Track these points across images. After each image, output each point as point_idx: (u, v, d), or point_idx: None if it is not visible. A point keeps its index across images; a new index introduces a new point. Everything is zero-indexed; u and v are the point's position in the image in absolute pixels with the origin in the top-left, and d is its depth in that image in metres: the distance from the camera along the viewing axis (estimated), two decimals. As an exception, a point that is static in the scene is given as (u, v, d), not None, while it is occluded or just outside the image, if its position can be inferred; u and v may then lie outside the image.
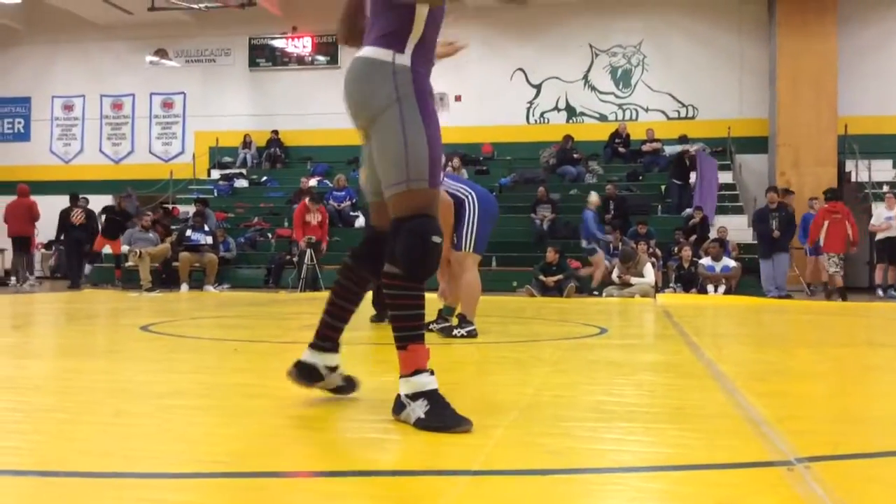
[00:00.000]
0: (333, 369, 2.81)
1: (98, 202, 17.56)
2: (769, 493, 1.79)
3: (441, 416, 2.38)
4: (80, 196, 16.13)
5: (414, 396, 2.44)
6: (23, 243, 15.06)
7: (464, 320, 5.39)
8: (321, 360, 2.78)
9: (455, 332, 5.33)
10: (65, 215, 15.59)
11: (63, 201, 16.26)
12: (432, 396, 2.43)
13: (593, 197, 14.23)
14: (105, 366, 4.11)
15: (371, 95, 2.52)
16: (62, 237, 15.96)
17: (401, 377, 2.51)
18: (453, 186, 5.51)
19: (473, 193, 5.50)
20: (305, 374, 2.78)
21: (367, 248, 2.76)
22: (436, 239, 2.46)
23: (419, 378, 2.47)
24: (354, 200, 16.25)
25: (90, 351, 4.90)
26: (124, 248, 14.05)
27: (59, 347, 5.19)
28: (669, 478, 1.96)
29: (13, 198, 15.24)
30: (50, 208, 15.99)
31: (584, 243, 13.65)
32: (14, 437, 2.36)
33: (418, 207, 2.47)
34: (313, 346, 2.80)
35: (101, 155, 22.10)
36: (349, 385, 2.88)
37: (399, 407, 2.49)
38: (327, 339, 2.79)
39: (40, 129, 22.40)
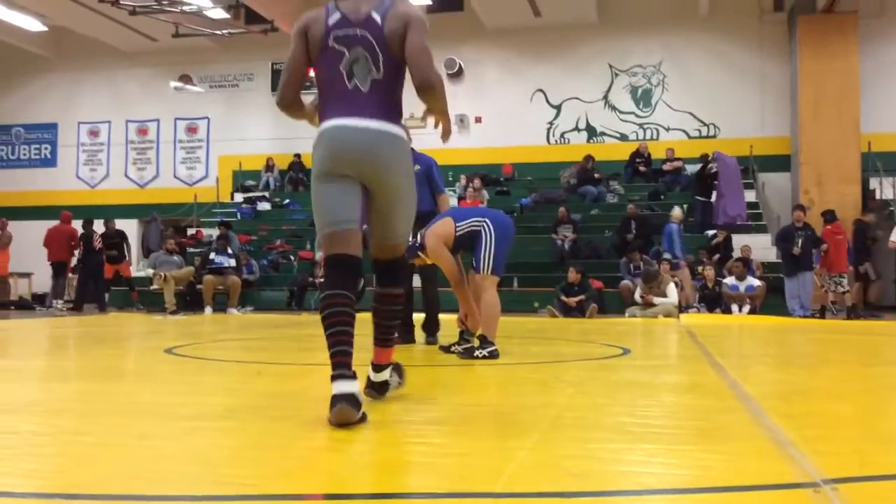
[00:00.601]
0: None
1: (125, 227, 17.74)
2: (795, 516, 1.77)
3: (399, 368, 3.53)
4: (105, 221, 16.33)
5: (384, 384, 3.38)
6: (61, 268, 15.41)
7: (485, 341, 5.39)
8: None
9: (476, 353, 5.33)
10: (86, 239, 15.81)
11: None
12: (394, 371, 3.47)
13: (676, 211, 14.27)
14: (130, 388, 4.15)
15: (397, 165, 3.08)
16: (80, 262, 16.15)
17: (379, 365, 3.36)
18: (466, 224, 5.54)
19: (487, 220, 5.53)
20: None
21: (347, 274, 3.08)
22: None
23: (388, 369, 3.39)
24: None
25: (116, 374, 4.94)
26: (149, 272, 14.20)
27: (84, 370, 5.24)
28: (694, 500, 1.94)
29: (47, 223, 15.59)
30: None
31: (667, 255, 13.67)
32: (40, 460, 2.38)
33: (406, 251, 3.43)
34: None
35: (126, 179, 22.37)
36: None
37: (381, 387, 3.37)
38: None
39: (67, 155, 22.74)
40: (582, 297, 12.80)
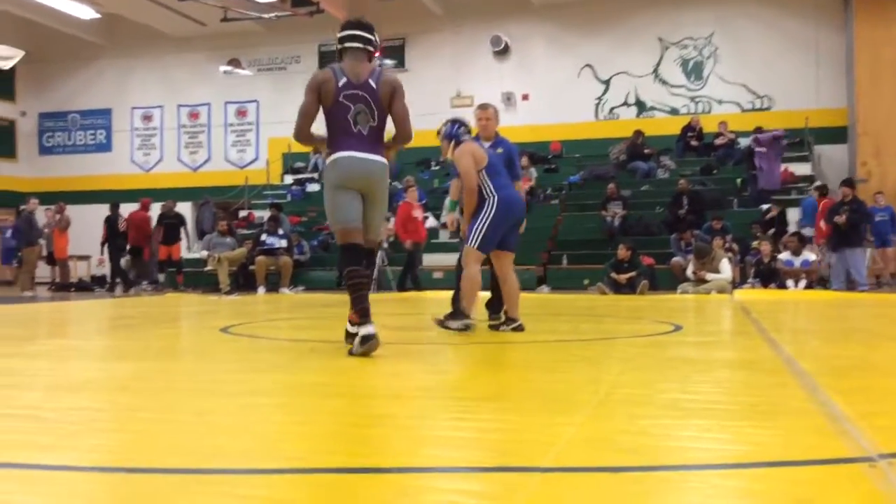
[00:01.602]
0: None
1: (180, 209, 18.11)
2: (850, 490, 1.75)
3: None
4: (165, 203, 16.73)
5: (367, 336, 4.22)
6: (139, 252, 16.15)
7: (457, 313, 5.62)
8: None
9: (450, 324, 5.59)
10: (112, 222, 16.29)
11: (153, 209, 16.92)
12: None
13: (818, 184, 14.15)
14: (187, 366, 4.24)
15: (382, 183, 4.58)
16: (107, 244, 16.61)
17: (351, 322, 4.39)
18: (484, 184, 5.64)
19: (496, 197, 5.59)
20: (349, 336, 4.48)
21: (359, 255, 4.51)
22: None
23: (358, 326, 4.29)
24: (425, 201, 16.32)
25: (173, 353, 5.06)
26: (203, 254, 14.47)
27: (143, 349, 5.38)
28: (746, 475, 1.92)
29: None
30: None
31: (805, 230, 13.56)
32: (101, 436, 2.46)
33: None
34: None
35: (179, 163, 22.75)
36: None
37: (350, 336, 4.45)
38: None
39: (121, 140, 23.19)
40: (632, 273, 12.68)
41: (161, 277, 16.37)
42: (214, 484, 1.87)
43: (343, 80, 4.44)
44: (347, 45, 4.54)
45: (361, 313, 4.22)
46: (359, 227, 4.48)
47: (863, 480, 1.82)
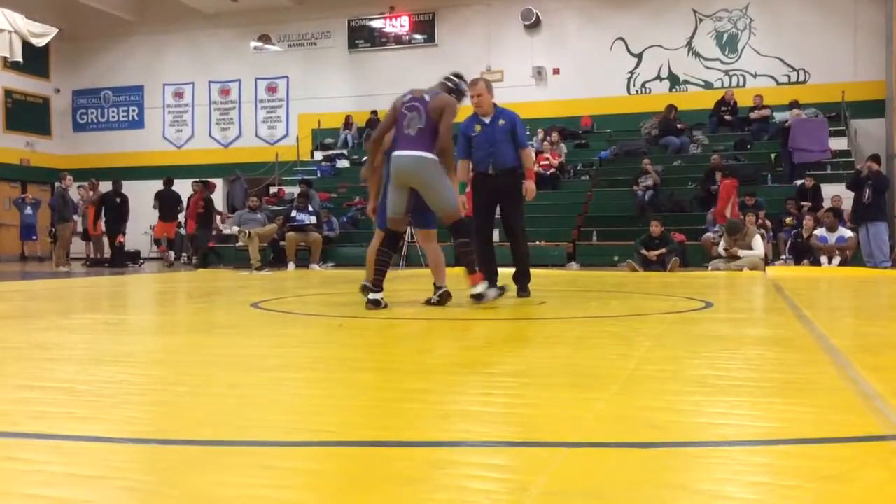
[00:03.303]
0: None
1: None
2: (880, 467, 1.73)
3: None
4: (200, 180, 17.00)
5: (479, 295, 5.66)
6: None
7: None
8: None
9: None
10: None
11: (179, 186, 17.11)
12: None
13: None
14: (220, 341, 4.30)
15: (431, 173, 5.63)
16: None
17: (473, 286, 5.64)
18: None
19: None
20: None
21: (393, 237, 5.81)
22: None
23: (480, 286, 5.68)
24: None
25: (205, 327, 5.13)
26: (234, 229, 14.59)
27: (176, 324, 5.46)
28: (775, 452, 1.91)
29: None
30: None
31: None
32: (136, 408, 2.51)
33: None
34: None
35: (210, 140, 22.93)
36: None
37: (478, 298, 5.64)
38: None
39: (153, 117, 23.40)
40: (663, 250, 12.60)
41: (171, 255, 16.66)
42: (245, 455, 1.90)
43: (407, 97, 5.76)
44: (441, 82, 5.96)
45: (376, 282, 5.64)
46: (401, 218, 5.75)
47: (894, 458, 1.81)
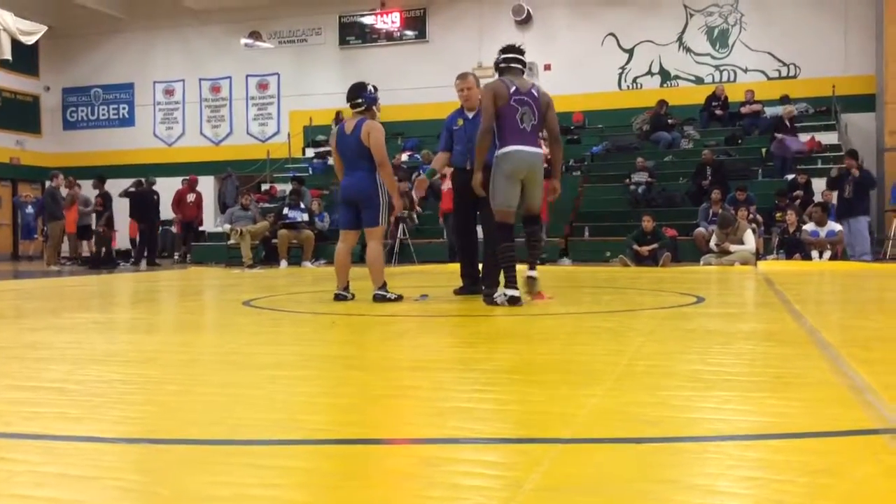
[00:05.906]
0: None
1: (202, 184, 18.28)
2: (870, 462, 1.74)
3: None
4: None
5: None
6: (187, 227, 16.85)
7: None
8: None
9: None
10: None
11: (170, 184, 17.06)
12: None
13: None
14: (211, 339, 4.29)
15: (541, 169, 5.77)
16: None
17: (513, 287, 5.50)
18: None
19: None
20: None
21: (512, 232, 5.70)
22: None
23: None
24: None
25: (197, 325, 5.12)
26: (226, 227, 14.56)
27: (168, 322, 5.44)
28: (767, 446, 1.92)
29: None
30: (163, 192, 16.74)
31: None
32: (128, 408, 2.50)
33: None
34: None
35: (201, 137, 22.84)
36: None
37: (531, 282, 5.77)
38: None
39: (144, 114, 23.30)
40: (655, 245, 12.62)
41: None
42: (238, 455, 1.90)
43: (513, 89, 5.57)
44: (512, 65, 5.77)
45: (508, 278, 5.48)
46: (515, 211, 5.66)
47: (884, 451, 1.82)
